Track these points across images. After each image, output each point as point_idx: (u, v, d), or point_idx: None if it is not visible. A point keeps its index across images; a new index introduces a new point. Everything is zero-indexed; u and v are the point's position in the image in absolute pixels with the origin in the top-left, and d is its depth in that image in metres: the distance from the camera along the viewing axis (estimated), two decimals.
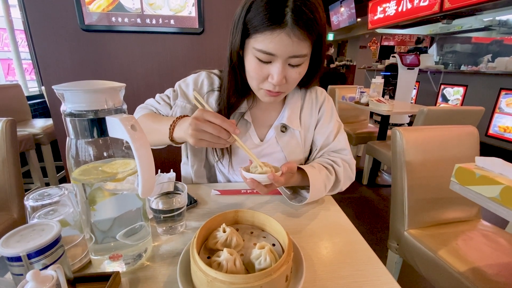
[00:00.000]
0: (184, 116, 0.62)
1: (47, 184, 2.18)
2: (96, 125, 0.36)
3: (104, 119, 0.36)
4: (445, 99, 4.41)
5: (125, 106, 0.40)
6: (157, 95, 0.79)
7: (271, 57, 0.57)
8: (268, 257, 0.39)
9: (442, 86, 4.44)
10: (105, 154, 0.40)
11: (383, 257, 1.26)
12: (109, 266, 0.43)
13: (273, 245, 0.45)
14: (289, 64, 0.59)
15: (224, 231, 0.44)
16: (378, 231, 1.88)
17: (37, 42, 1.47)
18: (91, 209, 0.40)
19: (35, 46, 1.48)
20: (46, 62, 1.51)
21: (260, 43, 0.55)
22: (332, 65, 6.67)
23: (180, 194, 0.56)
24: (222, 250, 0.39)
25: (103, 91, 0.36)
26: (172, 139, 0.61)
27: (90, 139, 0.37)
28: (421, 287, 1.39)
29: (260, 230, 0.50)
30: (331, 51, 6.71)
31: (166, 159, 1.68)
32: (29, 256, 0.32)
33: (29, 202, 0.43)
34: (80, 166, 0.38)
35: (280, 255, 0.41)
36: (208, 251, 0.44)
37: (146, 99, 0.81)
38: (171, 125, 0.60)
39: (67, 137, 0.37)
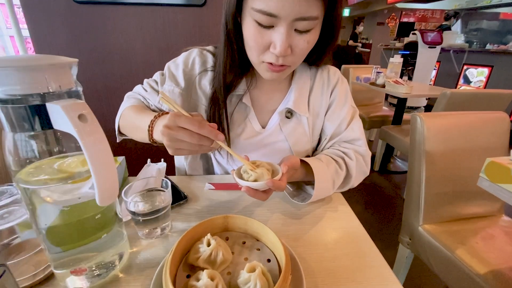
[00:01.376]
0: (163, 113, 0.52)
1: None
2: (37, 114, 0.28)
3: (44, 106, 0.28)
4: (467, 81, 4.12)
5: (79, 89, 0.32)
6: (145, 81, 0.69)
7: (273, 20, 0.45)
8: (259, 283, 0.31)
9: (465, 67, 4.12)
10: (55, 150, 0.31)
11: (392, 249, 1.19)
12: (72, 282, 0.36)
13: (268, 260, 0.37)
14: (295, 30, 0.47)
15: (209, 245, 0.36)
16: (389, 220, 1.80)
17: (28, 16, 1.37)
18: (38, 216, 0.33)
19: (26, 20, 1.38)
20: (39, 38, 1.42)
21: (259, 1, 0.44)
22: (355, 43, 6.30)
23: (163, 191, 0.48)
24: (203, 270, 0.32)
25: (42, 68, 0.27)
26: (153, 141, 0.53)
27: (32, 133, 0.29)
28: (432, 282, 1.32)
29: (254, 239, 0.42)
30: (360, 29, 6.26)
31: (157, 146, 1.61)
32: None
33: None
34: (21, 166, 0.30)
35: (275, 277, 0.33)
36: (189, 268, 0.36)
37: (144, 76, 0.71)
38: (149, 126, 0.51)
39: (2, 130, 0.29)
